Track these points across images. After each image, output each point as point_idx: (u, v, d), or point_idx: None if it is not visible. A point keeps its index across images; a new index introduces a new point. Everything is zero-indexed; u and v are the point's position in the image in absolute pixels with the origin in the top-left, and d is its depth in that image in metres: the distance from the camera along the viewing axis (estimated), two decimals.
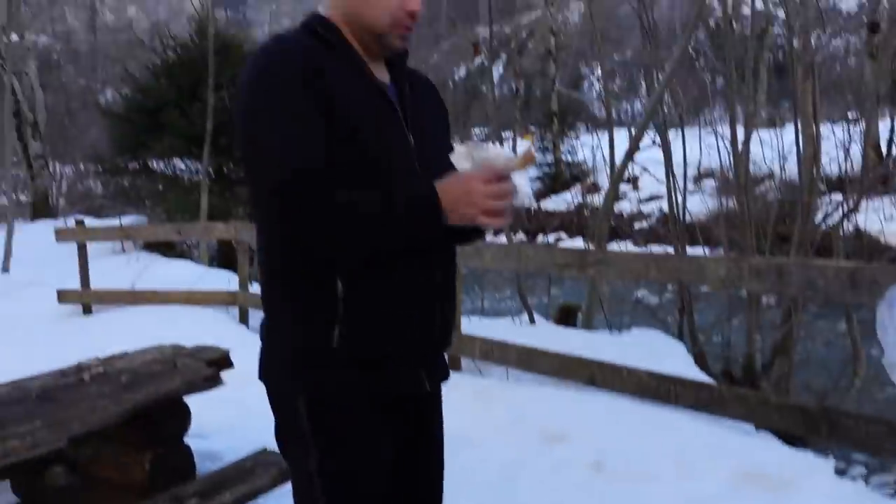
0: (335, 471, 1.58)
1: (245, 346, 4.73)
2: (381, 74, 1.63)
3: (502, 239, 6.92)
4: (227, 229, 7.61)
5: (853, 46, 19.73)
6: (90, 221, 10.92)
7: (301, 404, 1.57)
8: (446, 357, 1.80)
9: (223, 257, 10.71)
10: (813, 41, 6.57)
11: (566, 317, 6.19)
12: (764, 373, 5.60)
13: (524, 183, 1.50)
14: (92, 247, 8.32)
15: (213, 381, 3.22)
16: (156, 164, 13.76)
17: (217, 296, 7.29)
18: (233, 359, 3.39)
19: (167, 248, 11.31)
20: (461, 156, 1.54)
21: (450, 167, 1.58)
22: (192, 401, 3.25)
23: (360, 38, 1.60)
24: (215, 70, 11.10)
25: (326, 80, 1.49)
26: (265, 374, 1.65)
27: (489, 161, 1.50)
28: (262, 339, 1.67)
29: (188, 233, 8.95)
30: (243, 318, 7.13)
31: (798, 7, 6.00)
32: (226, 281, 7.79)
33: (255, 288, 7.41)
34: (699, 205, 9.10)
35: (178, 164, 13.65)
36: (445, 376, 1.76)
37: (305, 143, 1.45)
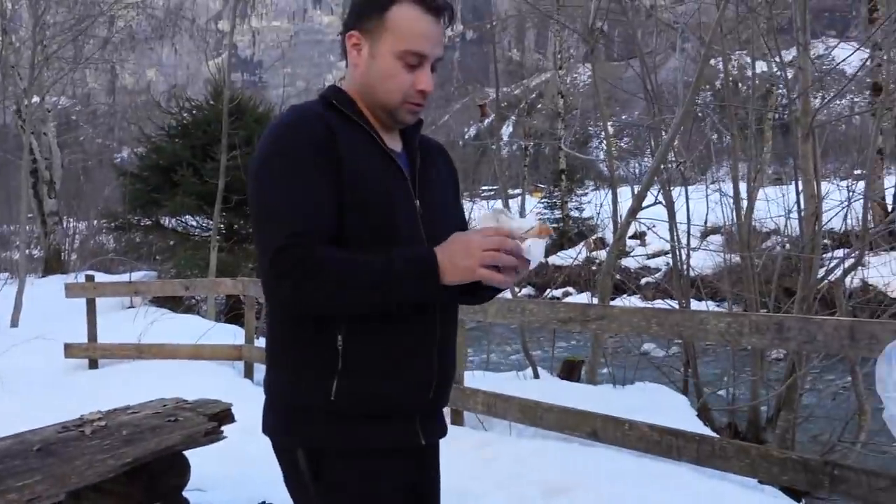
0: None
1: (249, 400, 4.73)
2: (394, 143, 1.70)
3: (507, 294, 6.96)
4: (234, 285, 7.69)
5: (857, 106, 19.97)
6: (100, 277, 11.06)
7: (301, 455, 1.61)
8: (447, 412, 1.81)
9: (230, 312, 10.77)
10: (816, 102, 6.68)
11: (570, 371, 6.16)
12: (768, 426, 5.55)
13: (538, 246, 1.53)
14: (101, 301, 8.39)
15: (214, 436, 3.23)
16: (167, 221, 13.96)
17: (223, 350, 7.32)
18: (236, 413, 3.40)
19: (175, 304, 11.39)
20: (487, 219, 1.58)
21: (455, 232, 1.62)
22: (194, 454, 3.25)
23: (373, 111, 1.67)
24: (229, 131, 11.33)
25: (339, 148, 1.56)
26: (267, 426, 1.69)
27: (511, 227, 1.54)
28: (265, 392, 1.71)
29: (196, 288, 9.03)
30: (249, 373, 7.14)
31: (798, 71, 6.12)
32: (232, 335, 7.83)
33: (260, 342, 7.43)
34: (705, 260, 9.13)
35: (190, 220, 13.84)
36: (443, 432, 1.78)
37: (312, 209, 1.52)
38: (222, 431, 3.24)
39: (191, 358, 7.25)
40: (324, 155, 1.54)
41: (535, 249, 1.53)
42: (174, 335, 7.84)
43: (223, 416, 3.33)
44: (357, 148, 1.59)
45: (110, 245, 18.34)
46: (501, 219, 1.57)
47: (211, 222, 12.18)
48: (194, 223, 13.95)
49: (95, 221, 20.18)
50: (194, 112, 14.24)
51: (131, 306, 10.65)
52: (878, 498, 2.94)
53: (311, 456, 1.61)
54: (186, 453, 3.22)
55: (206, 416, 3.25)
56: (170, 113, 14.87)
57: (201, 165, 12.50)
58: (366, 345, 1.58)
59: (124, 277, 11.92)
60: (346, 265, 1.49)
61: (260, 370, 7.18)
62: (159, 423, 3.13)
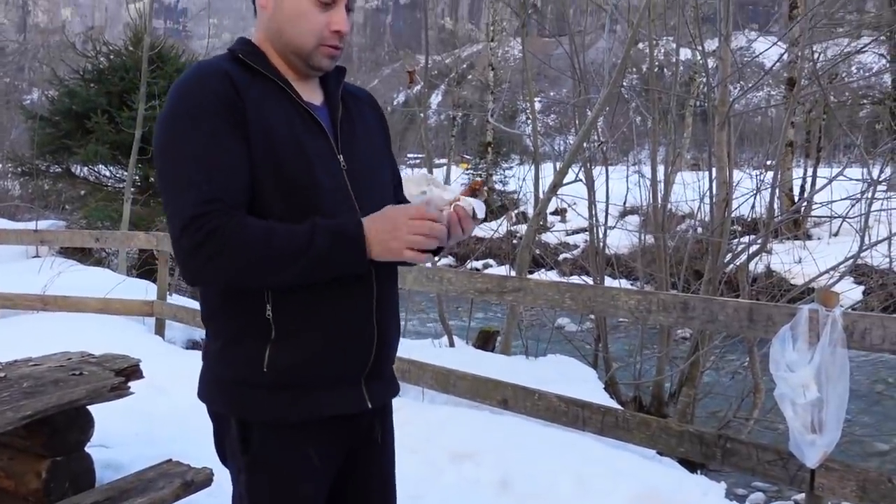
0: (261, 491, 1.56)
1: (158, 358, 4.64)
2: (313, 95, 1.60)
3: (427, 263, 7.00)
4: (148, 239, 7.45)
5: (773, 99, 20.76)
6: (4, 223, 10.55)
7: (234, 425, 1.56)
8: (393, 371, 1.74)
9: (143, 267, 10.46)
10: (734, 91, 6.92)
11: (485, 341, 6.27)
12: (671, 401, 5.82)
13: (481, 206, 1.51)
14: (4, 249, 8.03)
15: (120, 391, 3.13)
16: (79, 170, 13.38)
17: (133, 305, 7.11)
18: (144, 370, 3.31)
19: (84, 256, 10.97)
20: (413, 183, 1.53)
21: (384, 188, 1.55)
22: (100, 409, 3.16)
23: (286, 60, 1.57)
24: (148, 80, 10.90)
25: (245, 106, 1.46)
26: (202, 393, 1.63)
27: (440, 194, 1.50)
28: (202, 358, 1.65)
29: (108, 241, 8.72)
30: (160, 330, 6.97)
31: (718, 61, 6.33)
32: (143, 291, 7.61)
33: (173, 299, 7.25)
34: (621, 239, 9.39)
35: (103, 170, 13.31)
36: (393, 392, 1.73)
37: (223, 172, 1.42)
38: (129, 387, 3.15)
39: (99, 312, 7.02)
40: (230, 113, 1.44)
41: (479, 209, 1.52)
42: (82, 288, 7.55)
43: (131, 371, 3.24)
44: (266, 104, 1.49)
45: (16, 191, 17.47)
46: (429, 187, 1.52)
47: (125, 173, 11.73)
48: (107, 173, 13.40)
49: (0, 165, 19.14)
50: (111, 57, 13.60)
51: (37, 256, 10.20)
52: (766, 470, 3.13)
53: (241, 427, 1.55)
54: (91, 408, 3.14)
55: (113, 370, 3.16)
56: (85, 56, 14.14)
57: (117, 113, 12.00)
58: (297, 311, 1.50)
59: (30, 225, 11.38)
60: (265, 238, 1.40)
61: (171, 327, 7.02)
62: (63, 376, 3.03)
